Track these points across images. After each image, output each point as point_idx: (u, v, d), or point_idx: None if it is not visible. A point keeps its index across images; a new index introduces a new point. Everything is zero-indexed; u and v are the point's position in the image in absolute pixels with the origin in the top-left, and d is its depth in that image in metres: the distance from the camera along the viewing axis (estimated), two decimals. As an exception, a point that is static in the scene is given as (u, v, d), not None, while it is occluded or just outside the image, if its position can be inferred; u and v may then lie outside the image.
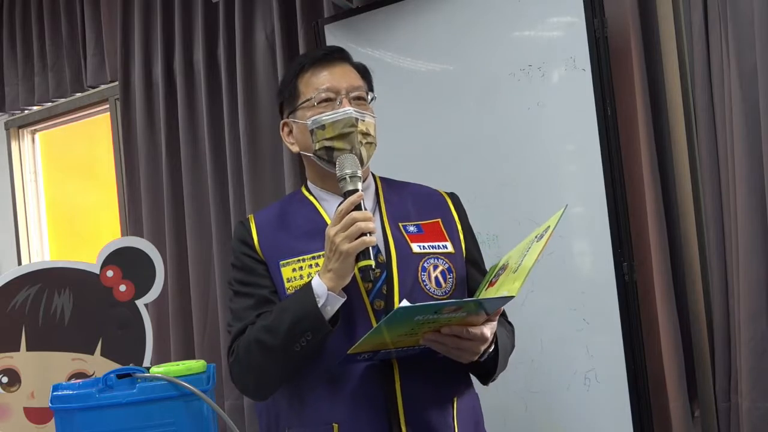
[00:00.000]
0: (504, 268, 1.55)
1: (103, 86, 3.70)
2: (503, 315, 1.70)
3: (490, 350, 1.52)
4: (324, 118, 1.59)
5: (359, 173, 1.54)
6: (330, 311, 1.48)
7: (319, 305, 1.46)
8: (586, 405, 2.33)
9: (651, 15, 2.42)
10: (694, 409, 2.38)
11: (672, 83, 2.40)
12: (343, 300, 1.49)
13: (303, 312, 1.47)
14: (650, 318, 2.36)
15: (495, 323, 1.48)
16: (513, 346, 1.69)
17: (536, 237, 1.51)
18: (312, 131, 1.60)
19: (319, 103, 1.61)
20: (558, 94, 2.37)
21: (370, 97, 1.66)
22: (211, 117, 3.22)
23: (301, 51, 2.96)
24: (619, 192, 2.28)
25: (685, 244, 2.39)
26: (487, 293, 1.53)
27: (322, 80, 1.63)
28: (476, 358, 1.48)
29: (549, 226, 1.49)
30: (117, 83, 3.53)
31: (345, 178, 1.53)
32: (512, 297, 1.40)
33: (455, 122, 2.54)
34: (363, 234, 1.45)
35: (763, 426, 2.15)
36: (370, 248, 1.47)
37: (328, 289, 1.47)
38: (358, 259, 1.47)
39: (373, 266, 1.47)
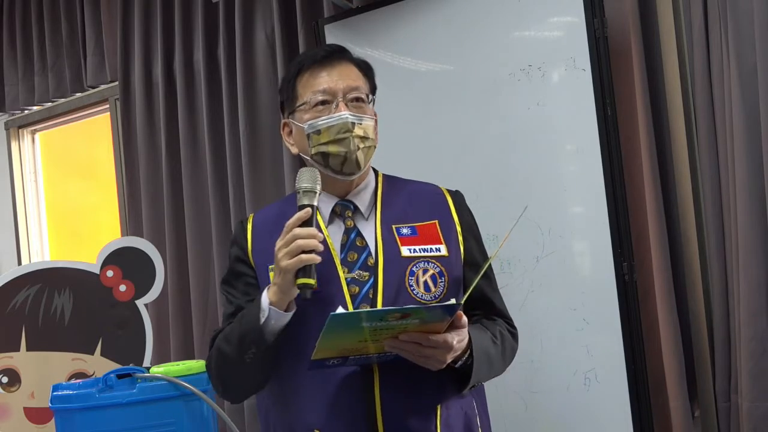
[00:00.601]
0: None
1: (103, 86, 3.70)
2: (506, 319, 1.68)
3: (465, 357, 1.49)
4: (320, 122, 1.57)
5: (317, 188, 1.52)
6: (275, 325, 1.47)
7: (262, 320, 1.46)
8: (586, 405, 2.33)
9: (651, 15, 2.41)
10: (694, 409, 2.37)
11: (672, 83, 2.40)
12: (289, 315, 1.48)
13: (248, 326, 1.49)
14: (650, 318, 2.36)
15: (464, 330, 1.45)
16: (513, 350, 1.66)
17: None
18: (308, 135, 1.59)
19: (314, 106, 1.59)
20: (558, 94, 2.37)
21: (369, 98, 1.64)
22: (211, 117, 3.22)
23: (301, 51, 2.96)
24: (619, 192, 2.28)
25: (685, 244, 2.39)
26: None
27: (320, 82, 1.60)
28: (444, 366, 1.46)
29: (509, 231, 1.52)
30: (117, 83, 3.53)
31: (299, 192, 1.52)
32: (459, 305, 1.40)
33: (455, 122, 2.54)
34: (305, 252, 1.44)
35: (763, 426, 2.15)
36: (313, 266, 1.45)
37: (271, 304, 1.47)
38: (297, 276, 1.45)
39: (313, 285, 1.45)
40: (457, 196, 1.70)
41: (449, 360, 1.45)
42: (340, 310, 1.38)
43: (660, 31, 2.41)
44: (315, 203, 1.51)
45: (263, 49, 3.11)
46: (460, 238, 1.64)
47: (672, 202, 2.40)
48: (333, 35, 2.75)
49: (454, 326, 1.43)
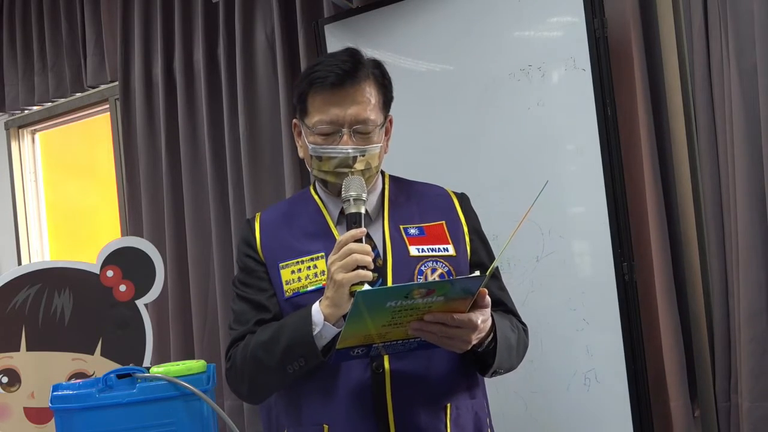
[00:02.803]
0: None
1: (103, 86, 3.70)
2: (515, 315, 1.70)
3: (488, 340, 1.51)
4: (321, 150, 1.59)
5: (364, 196, 1.54)
6: (325, 338, 1.48)
7: (315, 333, 1.47)
8: (586, 405, 2.33)
9: (651, 15, 2.42)
10: (694, 409, 2.37)
11: (672, 83, 2.40)
12: (338, 331, 1.47)
13: (298, 338, 1.49)
14: (650, 318, 2.36)
15: (487, 310, 1.45)
16: (525, 345, 1.68)
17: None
18: (311, 156, 1.61)
19: (320, 133, 1.59)
20: (558, 94, 2.37)
21: (379, 124, 1.62)
22: (211, 117, 3.22)
23: (302, 51, 2.96)
24: (619, 192, 2.28)
25: (685, 244, 2.39)
26: None
27: (328, 110, 1.58)
28: (469, 347, 1.46)
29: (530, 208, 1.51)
30: (117, 83, 3.53)
31: (349, 200, 1.53)
32: (484, 276, 1.39)
33: (455, 122, 2.54)
34: (360, 267, 1.45)
35: (763, 426, 2.15)
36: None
37: (325, 318, 1.47)
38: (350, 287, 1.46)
39: None
40: (463, 199, 1.73)
41: (475, 341, 1.45)
42: (365, 287, 1.38)
43: (660, 31, 2.41)
44: (362, 211, 1.53)
45: (263, 49, 3.11)
46: (467, 238, 1.66)
47: (672, 202, 2.40)
48: (333, 35, 2.75)
49: (477, 306, 1.43)
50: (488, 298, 1.45)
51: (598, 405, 2.32)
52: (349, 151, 1.57)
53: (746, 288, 2.17)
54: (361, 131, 1.59)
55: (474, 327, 1.43)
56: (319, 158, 1.59)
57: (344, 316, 1.45)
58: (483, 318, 1.44)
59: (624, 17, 2.39)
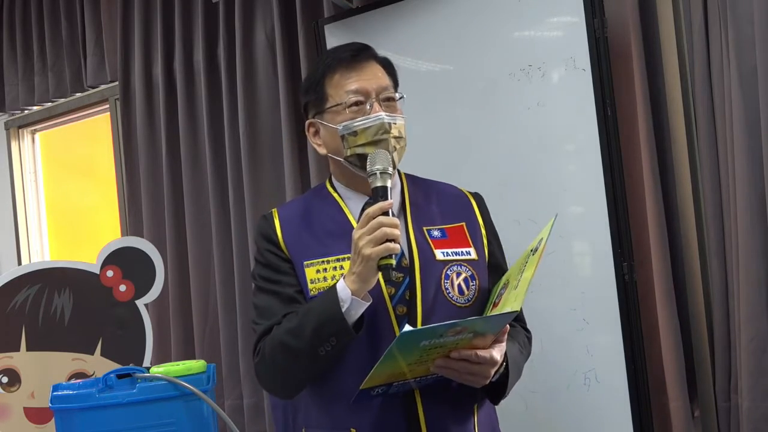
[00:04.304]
0: (505, 286, 1.55)
1: (103, 86, 3.70)
2: (522, 322, 1.70)
3: (501, 369, 1.51)
4: (356, 124, 1.56)
5: (390, 170, 1.51)
6: (354, 315, 1.46)
7: (343, 309, 1.44)
8: (586, 405, 2.33)
9: (651, 15, 2.42)
10: (694, 409, 2.37)
11: (672, 83, 2.40)
12: (367, 304, 1.46)
13: (327, 316, 1.45)
14: (650, 318, 2.36)
15: (504, 344, 1.46)
16: (528, 354, 1.68)
17: (531, 251, 1.52)
18: (343, 137, 1.58)
19: (349, 107, 1.58)
20: (558, 94, 2.37)
21: (398, 96, 1.63)
22: (211, 117, 3.22)
23: (302, 51, 2.96)
24: (619, 192, 2.28)
25: (685, 244, 2.39)
26: (491, 313, 1.53)
27: (351, 83, 1.59)
28: (487, 382, 1.47)
29: (542, 238, 1.50)
30: (117, 83, 3.53)
31: (375, 174, 1.50)
32: (515, 312, 1.40)
33: (455, 122, 2.54)
34: (388, 240, 1.43)
35: (763, 426, 2.15)
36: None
37: (352, 293, 1.45)
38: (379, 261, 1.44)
39: (393, 265, 1.45)
40: (479, 198, 1.72)
41: (492, 375, 1.47)
42: (407, 328, 1.37)
43: (660, 31, 2.41)
44: (389, 185, 1.50)
45: (263, 49, 3.11)
46: (485, 240, 1.65)
47: (672, 202, 2.40)
48: (333, 35, 2.75)
49: (496, 340, 1.45)
50: (507, 325, 1.46)
51: (598, 405, 2.32)
52: (384, 116, 1.56)
53: (746, 288, 2.17)
54: (387, 97, 1.59)
55: (495, 363, 1.44)
56: (354, 134, 1.56)
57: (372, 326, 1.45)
58: (501, 353, 1.46)
59: (624, 17, 2.38)
